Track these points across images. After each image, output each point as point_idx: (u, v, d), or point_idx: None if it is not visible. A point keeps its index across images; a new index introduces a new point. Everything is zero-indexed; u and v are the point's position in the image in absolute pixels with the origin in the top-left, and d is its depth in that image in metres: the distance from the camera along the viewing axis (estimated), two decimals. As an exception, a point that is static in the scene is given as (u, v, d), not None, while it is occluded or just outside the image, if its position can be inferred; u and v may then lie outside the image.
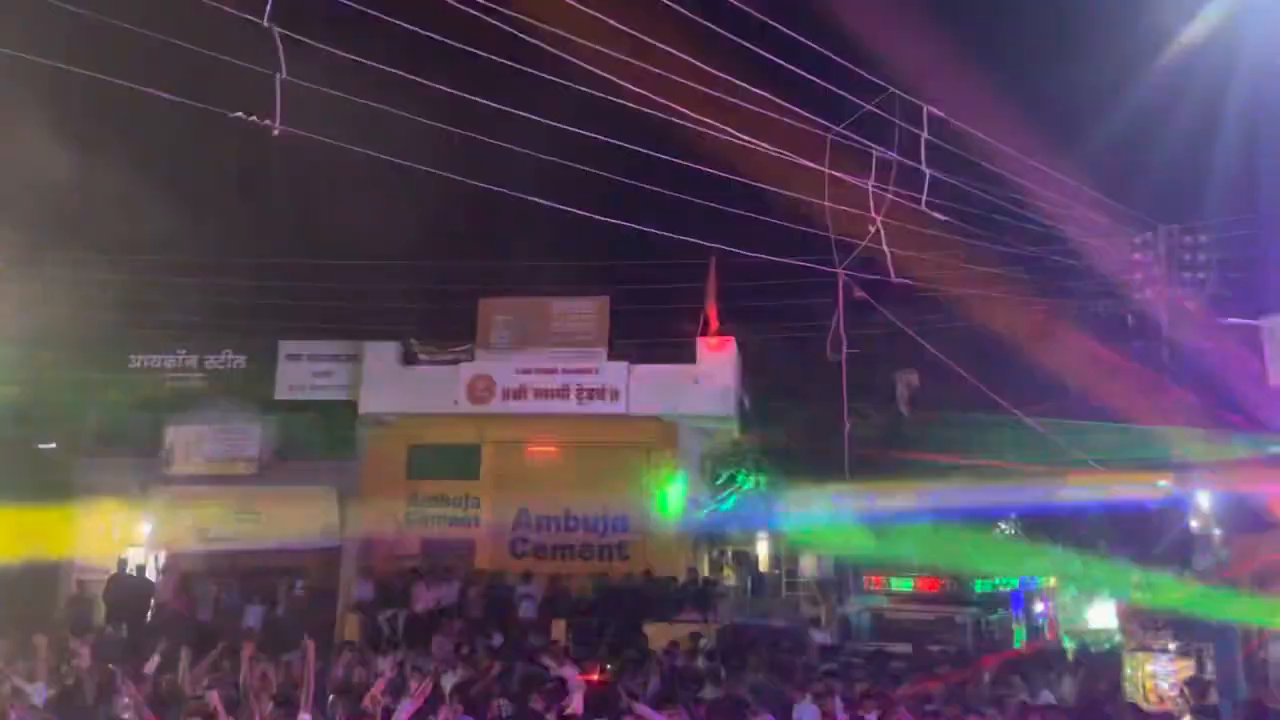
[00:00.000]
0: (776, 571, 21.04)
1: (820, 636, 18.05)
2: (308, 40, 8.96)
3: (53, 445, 20.73)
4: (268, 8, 8.74)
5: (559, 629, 17.55)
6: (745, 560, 20.85)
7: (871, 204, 12.31)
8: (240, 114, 9.29)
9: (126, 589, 19.39)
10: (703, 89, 10.59)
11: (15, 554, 19.39)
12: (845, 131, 11.94)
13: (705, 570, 19.91)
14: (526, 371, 19.85)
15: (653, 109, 10.55)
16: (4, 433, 18.72)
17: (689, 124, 10.85)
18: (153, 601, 19.21)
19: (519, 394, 19.85)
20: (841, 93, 11.26)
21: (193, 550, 20.21)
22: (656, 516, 19.69)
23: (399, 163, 11.27)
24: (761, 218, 12.62)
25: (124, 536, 21.27)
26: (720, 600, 18.84)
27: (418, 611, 18.04)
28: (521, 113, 10.87)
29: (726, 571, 20.38)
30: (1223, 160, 15.03)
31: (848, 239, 12.69)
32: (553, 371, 19.81)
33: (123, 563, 19.98)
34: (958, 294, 16.03)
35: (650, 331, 20.03)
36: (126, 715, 9.64)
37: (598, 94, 10.51)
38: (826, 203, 11.87)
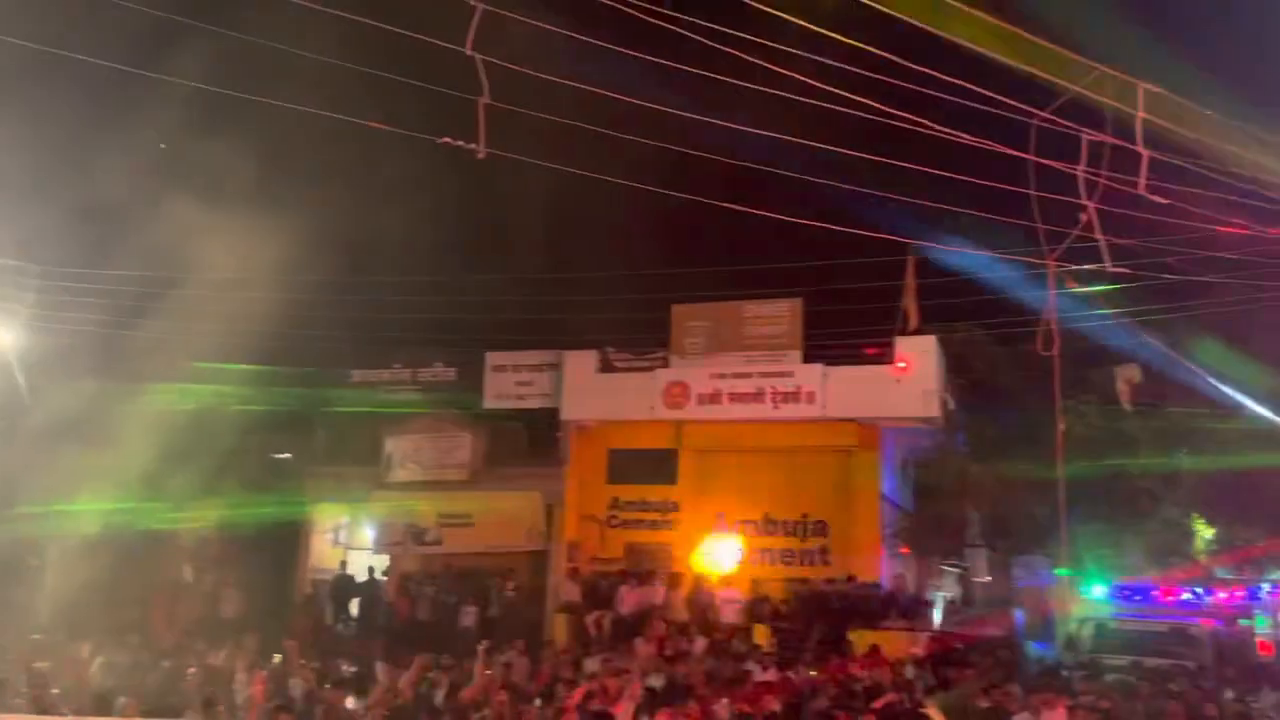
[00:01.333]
0: (989, 579, 20.16)
1: (1039, 648, 17.14)
2: (510, 65, 9.26)
3: (288, 455, 22.39)
4: (469, 37, 9.17)
5: (761, 634, 17.49)
6: (955, 566, 20.09)
7: (1082, 190, 11.61)
8: (447, 139, 9.80)
9: (352, 590, 20.75)
10: (893, 80, 10.30)
11: (257, 556, 21.16)
12: (1051, 116, 11.31)
13: (912, 577, 19.32)
14: (720, 376, 19.88)
15: (842, 104, 10.34)
16: (247, 444, 20.37)
17: (882, 117, 10.57)
18: (378, 601, 20.41)
19: (713, 399, 19.92)
20: (1045, 75, 10.67)
21: (411, 553, 21.36)
22: (858, 521, 19.29)
23: (594, 176, 11.55)
24: (964, 210, 12.12)
25: (350, 540, 22.80)
26: (929, 608, 18.26)
27: (623, 614, 18.40)
28: (710, 119, 10.91)
29: (935, 578, 19.70)
30: None
31: (1058, 228, 12.03)
32: (746, 375, 19.75)
33: (344, 564, 21.41)
34: (1180, 280, 14.88)
35: (846, 332, 19.63)
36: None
37: (787, 95, 10.42)
38: (1033, 191, 11.29)
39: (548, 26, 9.43)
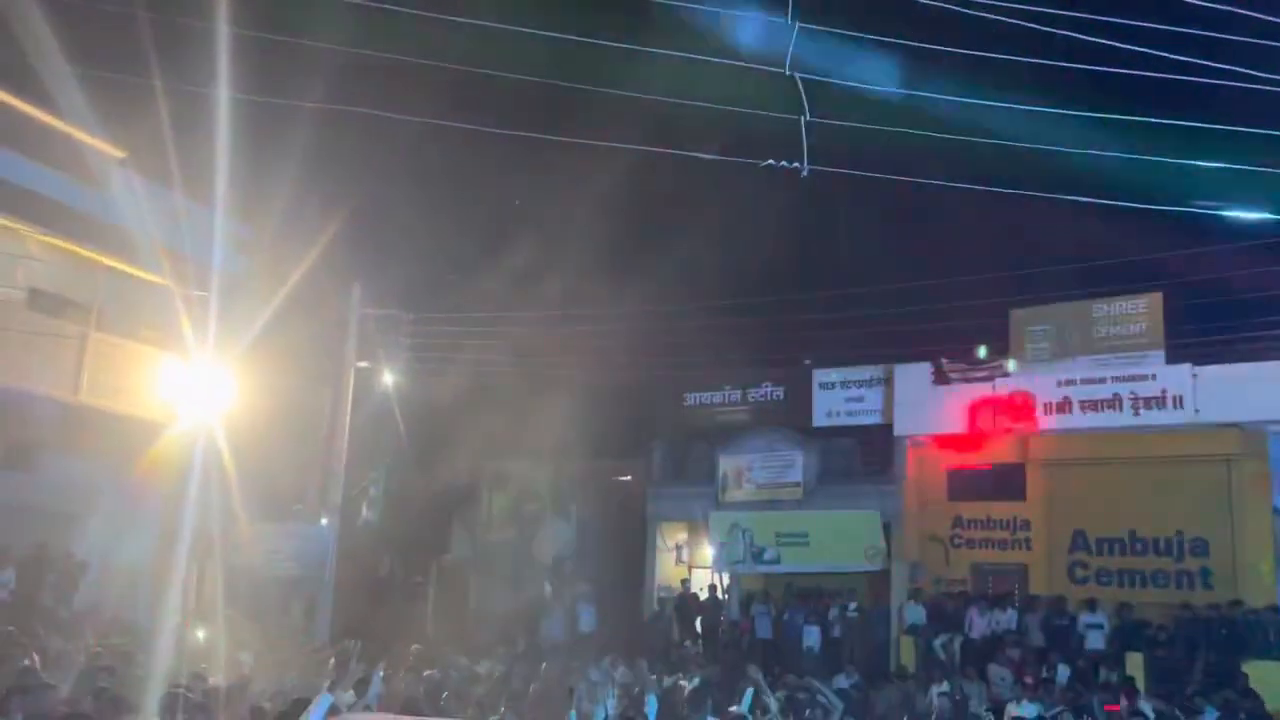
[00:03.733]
0: None
1: None
2: (828, 80, 9.21)
3: (628, 478, 23.49)
4: (788, 58, 9.22)
5: (1134, 663, 15.96)
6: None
7: None
8: (770, 161, 9.88)
9: (696, 608, 21.28)
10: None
11: (608, 574, 22.32)
12: None
13: (1321, 602, 16.83)
14: (1070, 383, 18.41)
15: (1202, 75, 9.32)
16: (589, 466, 21.63)
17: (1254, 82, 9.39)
18: (723, 619, 20.79)
19: (1062, 408, 18.49)
20: None
21: (751, 571, 21.58)
22: (1246, 538, 17.12)
23: (920, 181, 11.19)
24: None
25: (692, 558, 23.48)
26: (1344, 638, 15.82)
27: (973, 638, 17.52)
28: (1044, 108, 10.24)
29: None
30: None
31: None
32: (1100, 381, 18.14)
33: (686, 583, 22.01)
34: None
35: (1220, 327, 17.55)
36: None
37: (1136, 72, 9.55)
38: None
39: (864, 35, 9.27)
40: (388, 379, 21.16)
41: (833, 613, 19.33)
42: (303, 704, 7.62)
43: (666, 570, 23.36)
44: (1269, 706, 14.08)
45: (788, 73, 9.28)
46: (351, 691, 9.25)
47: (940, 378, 19.99)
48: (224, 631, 14.44)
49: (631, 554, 22.64)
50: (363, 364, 20.89)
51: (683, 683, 13.39)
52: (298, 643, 17.27)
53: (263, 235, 18.22)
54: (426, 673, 13.66)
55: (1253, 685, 14.49)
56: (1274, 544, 17.16)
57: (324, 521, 19.68)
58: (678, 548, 23.61)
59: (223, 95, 12.15)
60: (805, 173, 9.91)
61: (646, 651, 17.30)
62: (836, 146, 10.20)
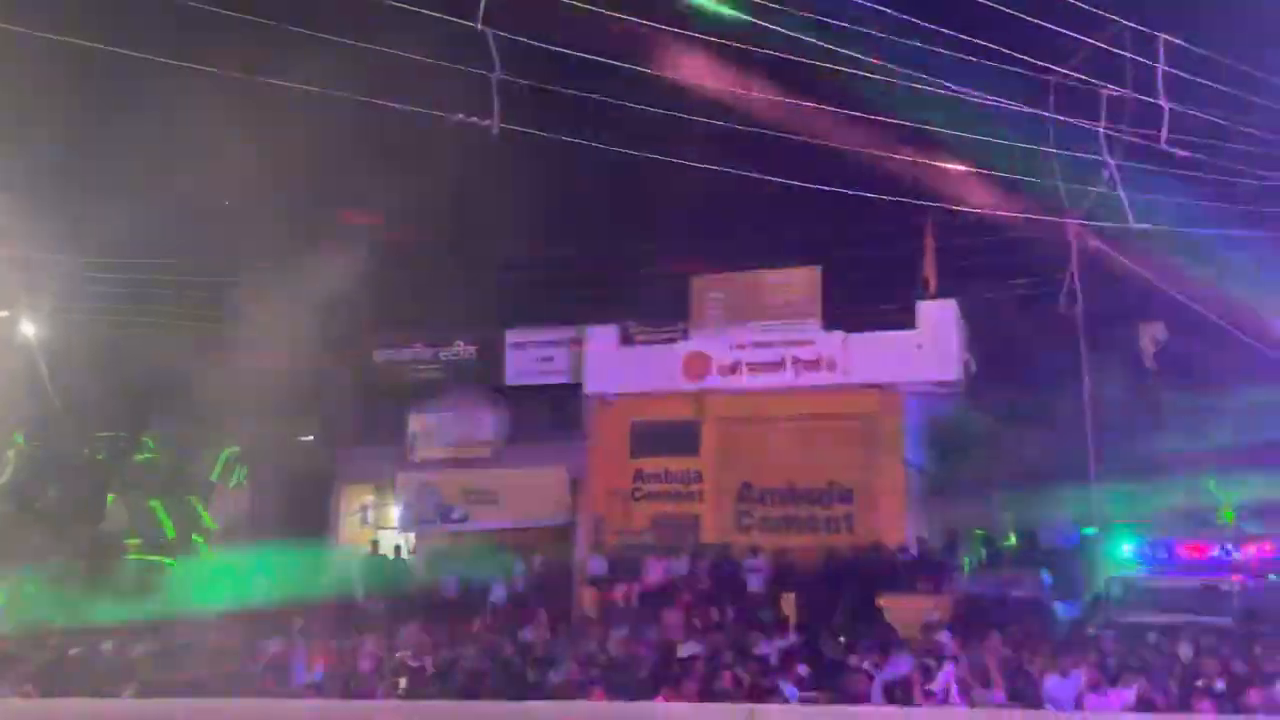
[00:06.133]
0: (1013, 540, 20.11)
1: (1066, 609, 17.11)
2: (521, 38, 9.19)
3: (310, 438, 22.55)
4: (480, 11, 9.10)
5: (788, 603, 17.54)
6: (980, 529, 20.08)
7: (1104, 147, 11.48)
8: (460, 116, 9.74)
9: (382, 569, 20.93)
10: (902, 40, 10.19)
11: (285, 539, 21.33)
12: (1069, 72, 11.16)
13: (937, 541, 19.32)
14: (741, 346, 19.89)
15: (851, 66, 10.25)
16: (271, 427, 20.49)
17: (892, 79, 10.47)
18: (407, 579, 20.58)
19: (734, 369, 19.95)
20: (1062, 30, 10.52)
21: (438, 530, 21.52)
22: (882, 487, 19.28)
23: (611, 150, 11.48)
24: (980, 170, 12.01)
25: (378, 520, 22.99)
26: (955, 572, 18.27)
27: (650, 586, 18.51)
28: (721, 86, 10.84)
29: (960, 541, 19.68)
30: None
31: (1079, 185, 11.91)
32: (767, 345, 19.74)
33: (374, 544, 21.59)
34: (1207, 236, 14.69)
35: (867, 298, 19.55)
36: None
37: (794, 57, 10.32)
38: (1053, 149, 11.17)
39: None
40: (29, 328, 18.90)
41: (517, 567, 19.72)
42: None
43: (352, 532, 22.75)
44: (900, 633, 15.94)
45: (480, 27, 9.18)
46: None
47: (627, 339, 20.85)
48: None
49: (313, 517, 21.82)
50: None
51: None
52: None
53: None
54: (73, 651, 12.55)
55: (886, 616, 16.38)
56: (905, 491, 19.45)
57: (-52, 488, 17.35)
58: (364, 509, 23.04)
59: None
60: (496, 130, 9.86)
61: (325, 613, 16.83)
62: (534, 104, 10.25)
